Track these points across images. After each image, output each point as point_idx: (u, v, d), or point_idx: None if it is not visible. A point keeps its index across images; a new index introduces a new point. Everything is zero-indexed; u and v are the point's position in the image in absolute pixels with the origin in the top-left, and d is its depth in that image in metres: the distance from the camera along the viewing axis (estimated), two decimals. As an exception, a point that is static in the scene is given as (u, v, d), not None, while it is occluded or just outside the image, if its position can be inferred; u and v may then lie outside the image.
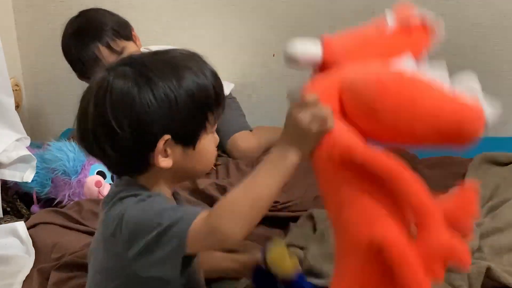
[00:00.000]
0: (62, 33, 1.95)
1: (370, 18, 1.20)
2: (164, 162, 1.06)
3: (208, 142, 1.10)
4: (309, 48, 1.13)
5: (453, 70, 2.46)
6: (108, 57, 1.87)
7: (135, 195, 1.06)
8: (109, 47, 1.87)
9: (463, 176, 1.94)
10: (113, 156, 1.06)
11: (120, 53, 1.87)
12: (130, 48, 1.91)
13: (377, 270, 1.01)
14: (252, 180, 1.00)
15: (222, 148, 2.12)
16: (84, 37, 1.89)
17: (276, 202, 1.70)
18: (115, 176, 1.23)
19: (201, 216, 1.00)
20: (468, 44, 2.31)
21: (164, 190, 1.11)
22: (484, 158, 1.98)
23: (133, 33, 1.98)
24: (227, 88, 2.19)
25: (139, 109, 1.03)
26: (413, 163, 2.06)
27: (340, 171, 1.00)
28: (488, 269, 1.40)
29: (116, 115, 1.03)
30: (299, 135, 0.99)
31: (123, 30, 1.94)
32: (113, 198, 1.09)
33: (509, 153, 1.98)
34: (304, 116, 0.98)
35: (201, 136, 1.08)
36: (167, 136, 1.04)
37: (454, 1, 2.26)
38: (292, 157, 0.99)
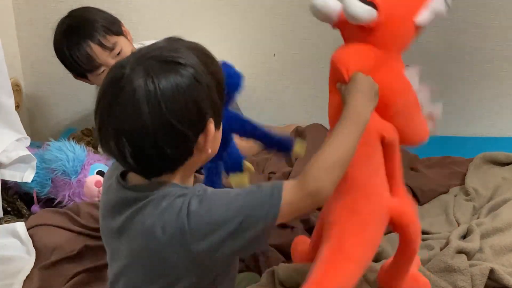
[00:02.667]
0: (54, 34, 1.95)
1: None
2: (210, 146, 1.08)
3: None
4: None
5: (453, 70, 2.48)
6: (100, 54, 1.87)
7: (182, 195, 1.05)
8: (100, 44, 1.87)
9: (463, 176, 1.94)
10: (171, 154, 1.04)
11: (112, 48, 1.88)
12: (121, 43, 1.91)
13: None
14: (336, 138, 1.11)
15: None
16: (75, 37, 1.89)
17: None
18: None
19: (290, 186, 1.05)
20: (468, 44, 2.31)
21: (190, 181, 1.13)
22: (484, 158, 1.98)
23: (123, 28, 1.98)
24: None
25: (190, 97, 1.03)
26: (414, 162, 2.07)
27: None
28: (491, 271, 1.41)
29: (175, 112, 1.01)
30: (368, 93, 1.17)
31: (113, 26, 1.93)
32: (136, 203, 1.07)
33: (509, 153, 1.98)
34: (368, 78, 1.17)
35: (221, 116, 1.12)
36: (212, 120, 1.06)
37: (454, 1, 2.26)
38: (365, 114, 1.15)
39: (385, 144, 1.26)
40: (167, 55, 1.06)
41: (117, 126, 1.03)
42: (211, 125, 1.06)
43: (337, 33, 1.31)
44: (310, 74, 2.38)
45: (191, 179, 1.14)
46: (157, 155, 1.03)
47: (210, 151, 1.09)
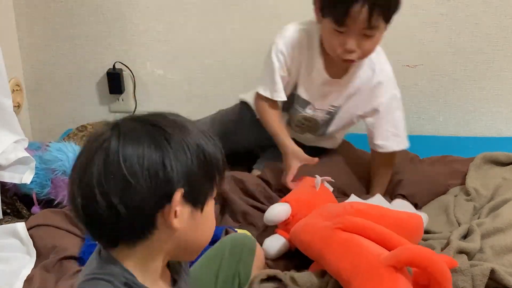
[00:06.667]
0: None
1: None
2: (176, 221, 0.95)
3: (211, 208, 1.03)
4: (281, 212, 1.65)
5: (453, 70, 2.48)
6: None
7: (110, 282, 0.95)
8: None
9: (463, 174, 1.94)
10: (124, 215, 0.91)
11: None
12: None
13: None
14: None
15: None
16: None
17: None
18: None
19: None
20: (468, 44, 2.31)
21: (157, 266, 1.01)
22: (485, 158, 1.98)
23: None
24: None
25: (158, 156, 0.93)
26: (415, 162, 2.07)
27: None
28: (492, 271, 1.40)
29: (130, 164, 0.91)
30: None
31: None
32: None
33: (509, 153, 1.98)
34: None
35: (208, 199, 1.01)
36: (181, 190, 0.94)
37: (454, 1, 2.26)
38: None
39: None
40: (152, 120, 0.97)
41: (76, 182, 0.94)
42: (177, 195, 0.94)
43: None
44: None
45: (157, 274, 1.02)
46: (108, 212, 0.92)
47: (181, 231, 0.96)
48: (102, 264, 0.98)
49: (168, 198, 0.93)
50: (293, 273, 1.43)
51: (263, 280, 1.41)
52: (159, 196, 0.93)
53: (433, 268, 1.24)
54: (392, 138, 1.91)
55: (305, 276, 1.42)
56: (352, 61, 1.76)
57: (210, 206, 1.02)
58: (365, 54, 1.75)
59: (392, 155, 1.94)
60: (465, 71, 2.35)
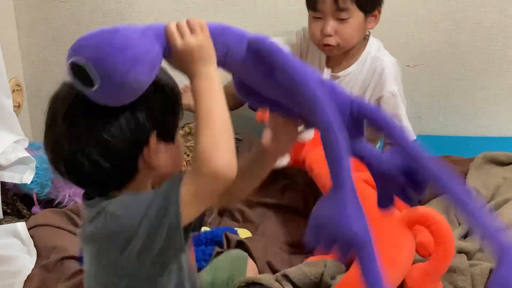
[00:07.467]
0: None
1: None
2: (155, 160, 1.04)
3: (179, 136, 1.11)
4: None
5: (453, 70, 2.48)
6: None
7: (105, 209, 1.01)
8: None
9: (464, 175, 1.94)
10: (108, 168, 1.01)
11: None
12: None
13: None
14: (205, 114, 0.98)
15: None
16: None
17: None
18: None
19: (184, 181, 0.97)
20: (468, 44, 2.31)
21: None
22: (485, 158, 1.98)
23: None
24: None
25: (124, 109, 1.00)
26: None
27: None
28: (491, 270, 1.41)
29: (103, 124, 0.99)
30: (195, 54, 0.99)
31: None
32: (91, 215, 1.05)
33: (510, 153, 1.98)
34: (180, 39, 1.00)
35: (176, 129, 1.09)
36: (154, 132, 1.03)
37: (454, 1, 2.26)
38: (208, 73, 0.99)
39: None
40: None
41: (48, 141, 1.05)
42: (153, 138, 1.02)
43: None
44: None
45: None
46: (94, 171, 1.01)
47: (160, 165, 1.05)
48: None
49: (144, 142, 1.02)
50: (285, 270, 1.43)
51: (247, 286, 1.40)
52: (137, 145, 1.02)
53: (437, 226, 1.38)
54: None
55: (297, 270, 1.42)
56: (330, 46, 1.82)
57: (178, 133, 1.10)
58: (343, 40, 1.81)
59: None
60: (465, 71, 2.35)
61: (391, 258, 1.37)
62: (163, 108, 1.04)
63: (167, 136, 1.06)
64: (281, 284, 1.39)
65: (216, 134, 0.96)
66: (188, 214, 0.98)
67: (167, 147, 1.06)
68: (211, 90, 0.99)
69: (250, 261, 1.51)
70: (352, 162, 1.01)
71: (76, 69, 0.97)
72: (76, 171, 1.04)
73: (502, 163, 1.96)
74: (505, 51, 2.30)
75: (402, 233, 1.44)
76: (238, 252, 1.55)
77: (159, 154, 1.04)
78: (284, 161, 1.60)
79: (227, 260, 1.49)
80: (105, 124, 0.99)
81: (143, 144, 1.02)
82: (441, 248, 1.38)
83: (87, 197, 1.09)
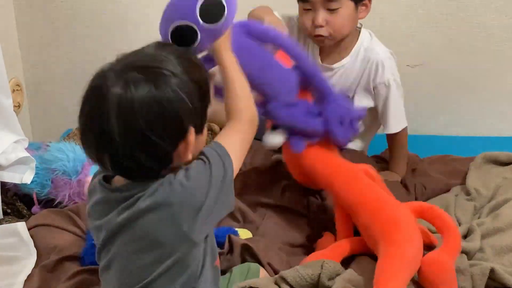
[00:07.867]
0: None
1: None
2: (189, 153, 1.09)
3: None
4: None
5: (453, 70, 2.48)
6: None
7: (169, 181, 1.07)
8: None
9: (464, 174, 1.94)
10: (148, 163, 1.06)
11: None
12: None
13: None
14: (237, 77, 1.23)
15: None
16: None
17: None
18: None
19: (227, 135, 1.17)
20: (468, 44, 2.31)
21: None
22: (485, 158, 1.98)
23: None
24: None
25: (168, 109, 1.04)
26: (415, 161, 2.07)
27: None
28: (492, 270, 1.40)
29: (150, 124, 1.03)
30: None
31: None
32: (126, 201, 1.09)
33: (510, 152, 1.98)
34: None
35: (205, 120, 1.15)
36: (192, 129, 1.08)
37: (454, 1, 2.26)
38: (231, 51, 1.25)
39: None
40: (151, 66, 1.07)
41: (96, 133, 1.05)
42: (192, 135, 1.08)
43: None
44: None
45: None
46: (135, 164, 1.06)
47: (190, 157, 1.11)
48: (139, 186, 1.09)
49: (183, 139, 1.07)
50: (281, 272, 1.43)
51: None
52: (174, 141, 1.07)
53: (441, 217, 1.48)
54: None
55: (293, 272, 1.42)
56: (322, 36, 1.83)
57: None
58: (335, 30, 1.83)
59: (398, 136, 1.97)
60: (465, 71, 2.35)
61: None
62: (202, 106, 1.11)
63: (200, 128, 1.12)
64: (280, 287, 1.39)
65: (246, 90, 1.23)
66: (237, 166, 1.15)
67: (198, 138, 1.11)
68: (236, 62, 1.25)
69: (262, 270, 1.51)
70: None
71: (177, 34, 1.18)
72: (119, 166, 1.07)
73: (502, 163, 1.96)
74: (505, 51, 2.31)
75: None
76: (251, 265, 1.54)
77: (191, 146, 1.09)
78: (277, 139, 1.61)
79: (242, 277, 1.47)
80: (147, 121, 1.03)
81: (181, 140, 1.07)
82: (450, 233, 1.44)
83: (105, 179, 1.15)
